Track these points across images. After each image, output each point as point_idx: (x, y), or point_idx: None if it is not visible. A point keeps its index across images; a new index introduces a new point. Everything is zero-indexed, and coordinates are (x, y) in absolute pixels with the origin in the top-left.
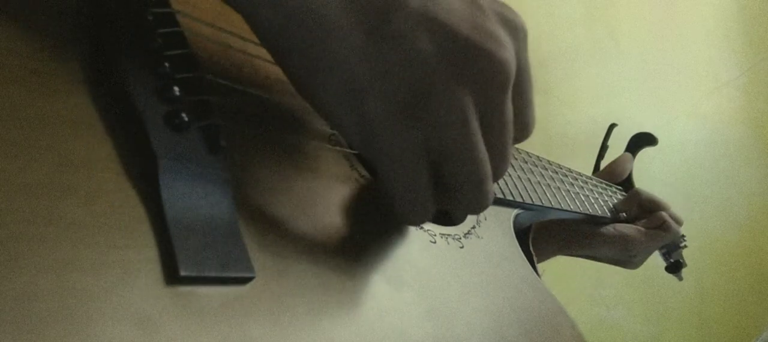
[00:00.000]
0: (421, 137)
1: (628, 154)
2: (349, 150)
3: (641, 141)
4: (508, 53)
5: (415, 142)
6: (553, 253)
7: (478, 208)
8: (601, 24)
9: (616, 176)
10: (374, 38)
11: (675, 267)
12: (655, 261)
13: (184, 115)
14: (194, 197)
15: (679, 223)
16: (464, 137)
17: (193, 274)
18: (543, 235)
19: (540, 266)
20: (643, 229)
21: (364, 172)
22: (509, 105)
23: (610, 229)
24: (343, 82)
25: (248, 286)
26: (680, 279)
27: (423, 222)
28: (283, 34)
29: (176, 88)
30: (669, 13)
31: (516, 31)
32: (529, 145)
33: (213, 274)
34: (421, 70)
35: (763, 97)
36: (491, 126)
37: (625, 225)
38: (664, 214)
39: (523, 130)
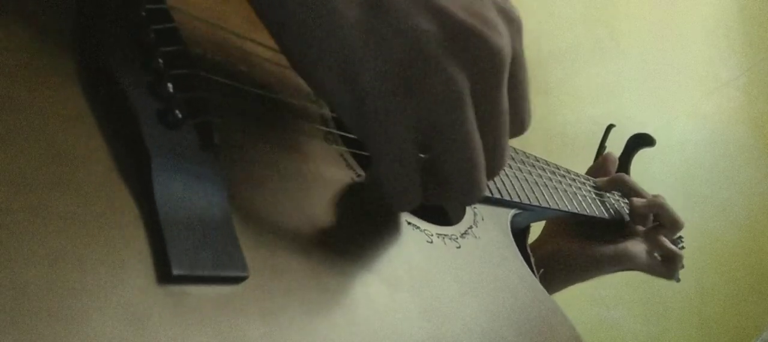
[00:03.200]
0: (413, 113)
1: (612, 155)
2: (344, 148)
3: (639, 142)
4: (504, 41)
5: (407, 117)
6: (563, 285)
7: (469, 197)
8: (601, 24)
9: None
10: (370, 12)
11: None
12: None
13: (177, 111)
14: (187, 195)
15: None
16: (458, 117)
17: (186, 273)
18: (548, 271)
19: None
20: (639, 237)
21: (360, 171)
22: (505, 94)
23: (609, 249)
24: (337, 54)
25: (242, 285)
26: (677, 280)
27: (410, 205)
28: (280, 6)
29: (170, 85)
30: (669, 13)
31: (511, 21)
32: (529, 145)
33: (206, 273)
34: (417, 45)
35: (763, 97)
36: (486, 114)
37: (625, 241)
38: (635, 200)
39: (520, 124)
